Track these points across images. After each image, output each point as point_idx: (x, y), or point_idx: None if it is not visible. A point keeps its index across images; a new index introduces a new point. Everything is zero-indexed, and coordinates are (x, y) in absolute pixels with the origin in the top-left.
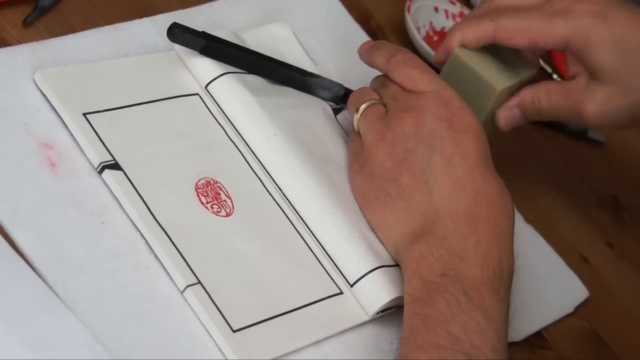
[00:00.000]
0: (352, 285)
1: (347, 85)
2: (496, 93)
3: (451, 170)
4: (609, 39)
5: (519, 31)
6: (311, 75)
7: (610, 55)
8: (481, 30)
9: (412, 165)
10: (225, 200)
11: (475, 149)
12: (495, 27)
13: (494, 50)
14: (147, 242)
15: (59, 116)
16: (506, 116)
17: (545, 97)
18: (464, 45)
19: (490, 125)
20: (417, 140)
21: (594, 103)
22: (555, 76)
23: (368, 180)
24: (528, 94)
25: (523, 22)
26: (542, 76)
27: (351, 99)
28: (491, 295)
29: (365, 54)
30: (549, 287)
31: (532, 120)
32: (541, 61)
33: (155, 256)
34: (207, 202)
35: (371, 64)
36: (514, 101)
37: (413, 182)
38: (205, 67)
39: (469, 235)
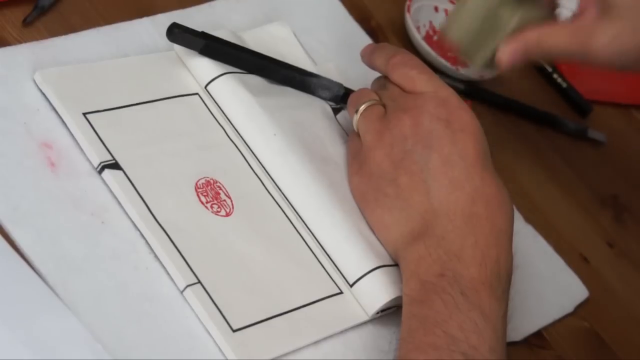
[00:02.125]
0: (351, 285)
1: (347, 85)
2: (514, 23)
3: (449, 170)
4: None
5: None
6: (311, 75)
7: None
8: None
9: (410, 166)
10: (225, 200)
11: (474, 148)
12: None
13: None
14: (147, 242)
15: (59, 116)
16: (508, 52)
17: (550, 36)
18: None
19: (492, 64)
20: (415, 140)
21: (603, 38)
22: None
23: (366, 181)
24: (532, 33)
25: None
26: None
27: (351, 99)
28: (489, 294)
29: (367, 57)
30: (549, 287)
31: (534, 61)
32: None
33: (155, 256)
34: (207, 202)
35: (372, 66)
36: (517, 38)
37: (411, 183)
38: (205, 67)
39: (467, 235)
